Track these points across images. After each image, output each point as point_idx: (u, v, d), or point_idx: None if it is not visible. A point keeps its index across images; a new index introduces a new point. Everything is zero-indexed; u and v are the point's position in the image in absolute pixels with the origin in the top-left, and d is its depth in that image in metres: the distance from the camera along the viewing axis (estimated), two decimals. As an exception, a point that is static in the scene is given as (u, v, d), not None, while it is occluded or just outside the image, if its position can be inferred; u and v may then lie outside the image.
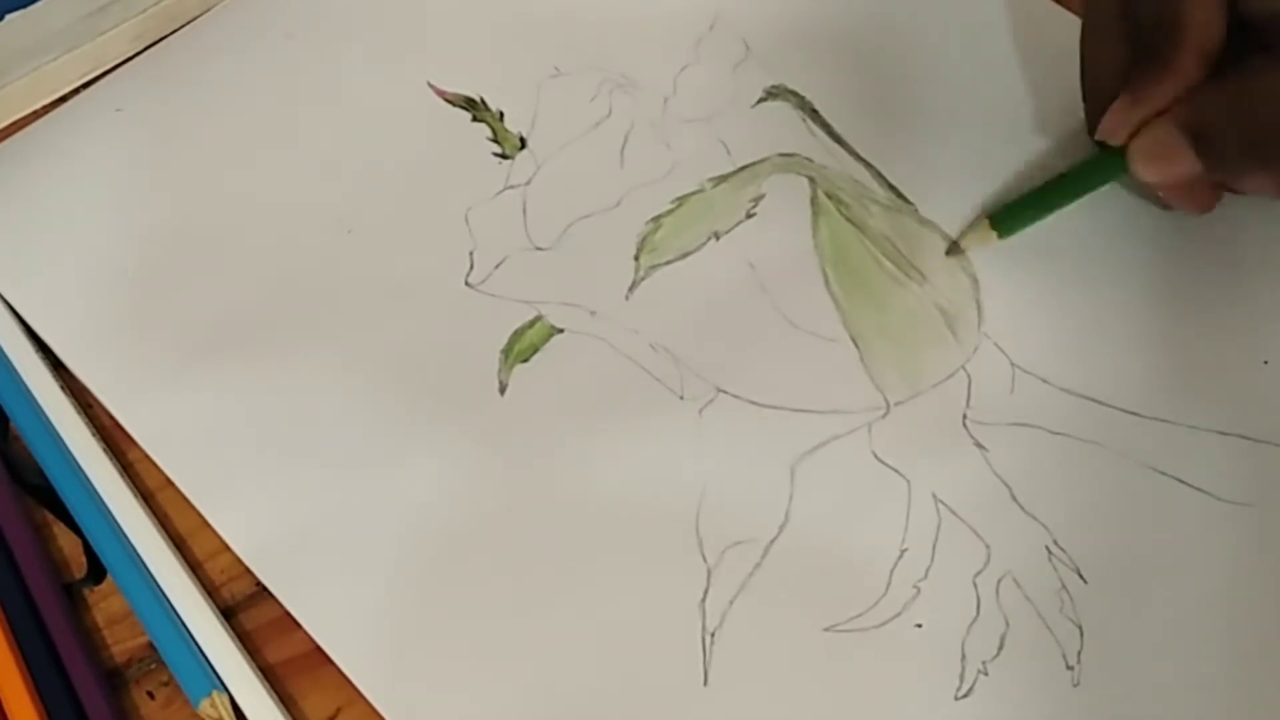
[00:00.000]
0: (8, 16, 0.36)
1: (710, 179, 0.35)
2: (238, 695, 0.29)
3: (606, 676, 0.29)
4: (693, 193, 0.35)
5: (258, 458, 0.32)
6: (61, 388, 0.33)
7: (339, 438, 0.32)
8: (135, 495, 0.31)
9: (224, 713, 0.29)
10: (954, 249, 0.34)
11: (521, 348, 0.33)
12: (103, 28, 0.37)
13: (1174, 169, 0.30)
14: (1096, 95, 0.32)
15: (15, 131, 0.36)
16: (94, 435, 0.32)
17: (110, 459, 0.32)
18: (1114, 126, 0.31)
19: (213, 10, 0.37)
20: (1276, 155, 0.30)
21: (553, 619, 0.30)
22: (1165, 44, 0.30)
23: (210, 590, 0.31)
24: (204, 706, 0.29)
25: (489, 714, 0.29)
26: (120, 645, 0.31)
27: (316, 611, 0.30)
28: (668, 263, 0.34)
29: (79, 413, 0.32)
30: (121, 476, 0.32)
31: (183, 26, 0.37)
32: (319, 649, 0.30)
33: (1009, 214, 0.33)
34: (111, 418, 0.32)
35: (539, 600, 0.30)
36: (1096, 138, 0.32)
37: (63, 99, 0.37)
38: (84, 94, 0.37)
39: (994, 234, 0.33)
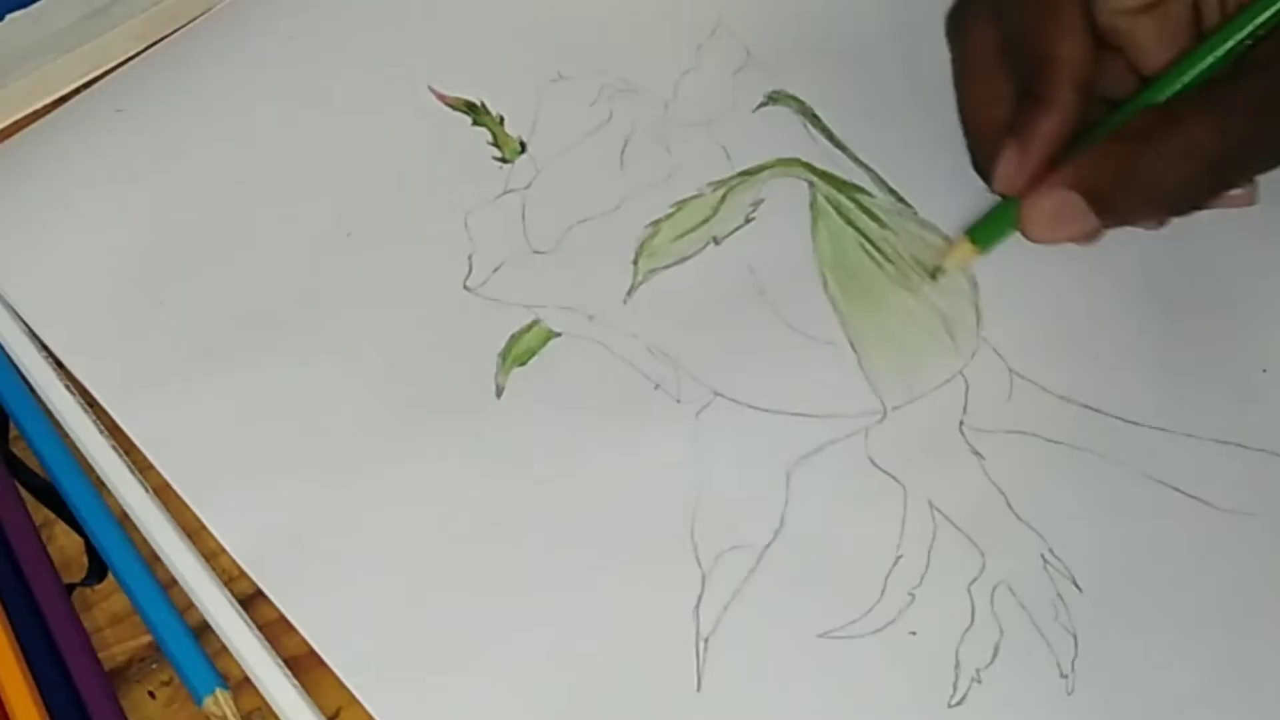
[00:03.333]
0: (8, 16, 0.36)
1: (710, 183, 0.35)
2: (261, 684, 0.30)
3: (600, 681, 0.29)
4: (692, 197, 0.35)
5: (255, 460, 0.32)
6: (66, 386, 0.33)
7: (336, 441, 0.32)
8: (147, 490, 0.32)
9: (228, 710, 0.29)
10: (938, 271, 0.33)
11: (519, 351, 0.33)
12: (103, 28, 0.37)
13: (1072, 231, 0.30)
14: (981, 135, 0.32)
15: (15, 131, 0.36)
16: (102, 432, 0.32)
17: (120, 455, 0.32)
18: (1009, 176, 0.31)
19: (213, 11, 0.37)
20: (1172, 208, 0.31)
21: (547, 623, 0.30)
22: (1041, 80, 0.30)
23: (211, 590, 0.31)
24: (208, 704, 0.29)
25: (483, 718, 0.29)
26: (121, 645, 0.31)
27: (311, 614, 0.30)
28: (666, 267, 0.34)
29: (85, 411, 0.32)
30: (132, 472, 0.32)
31: (183, 27, 0.37)
32: (318, 650, 0.30)
33: (986, 227, 0.32)
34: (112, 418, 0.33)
35: (533, 605, 0.30)
36: (994, 189, 0.31)
37: (63, 99, 0.37)
38: (85, 94, 0.37)
39: (974, 249, 0.33)
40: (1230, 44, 0.29)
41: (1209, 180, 0.29)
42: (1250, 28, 0.29)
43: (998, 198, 0.32)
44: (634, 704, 0.29)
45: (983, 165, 0.32)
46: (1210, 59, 0.29)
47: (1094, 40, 0.31)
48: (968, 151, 0.32)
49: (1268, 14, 0.29)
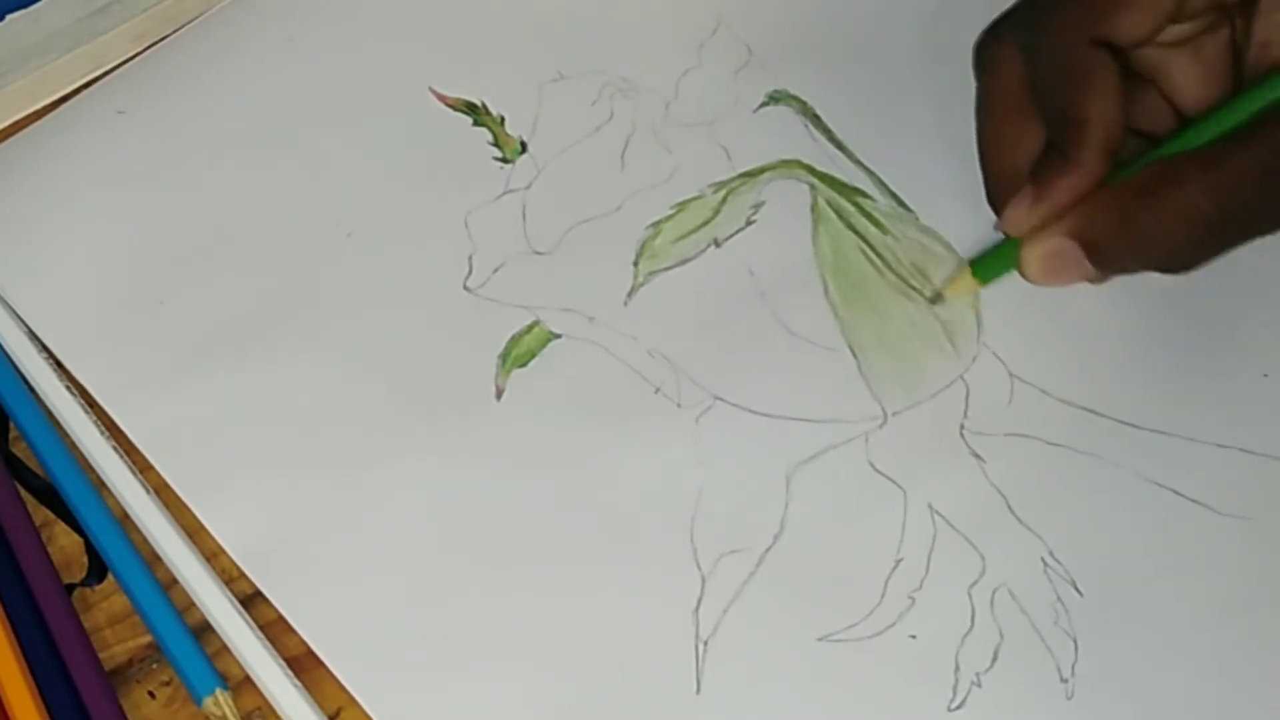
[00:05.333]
0: (8, 17, 0.36)
1: (711, 184, 0.35)
2: (261, 684, 0.30)
3: (599, 683, 0.30)
4: (693, 198, 0.35)
5: (254, 460, 0.32)
6: (66, 387, 0.33)
7: (335, 441, 0.32)
8: (147, 490, 0.32)
9: (228, 710, 0.29)
10: (937, 298, 0.33)
11: (519, 353, 0.33)
12: (103, 28, 0.37)
13: (1068, 278, 0.30)
14: (1000, 174, 0.31)
15: (15, 131, 0.36)
16: (102, 433, 0.32)
17: (120, 455, 0.32)
18: (1016, 220, 0.30)
19: (213, 11, 0.37)
20: (1167, 267, 0.29)
21: (546, 625, 0.30)
22: (1069, 140, 0.29)
23: (211, 590, 0.31)
24: (208, 704, 0.29)
25: (482, 719, 0.29)
26: (121, 645, 0.31)
27: (311, 615, 0.30)
28: (667, 269, 0.34)
29: (85, 411, 0.32)
30: (132, 472, 0.32)
31: (183, 27, 0.37)
32: (318, 651, 0.30)
33: (988, 263, 0.32)
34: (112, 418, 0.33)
35: (533, 606, 0.30)
36: (999, 228, 0.31)
37: (63, 99, 0.37)
38: (85, 94, 0.37)
39: (975, 282, 0.32)
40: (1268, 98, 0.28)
41: (1206, 243, 0.28)
42: None
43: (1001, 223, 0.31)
44: (633, 706, 0.29)
45: (997, 202, 0.31)
46: (1246, 112, 0.28)
47: (1124, 82, 0.29)
48: (983, 184, 0.32)
49: None
